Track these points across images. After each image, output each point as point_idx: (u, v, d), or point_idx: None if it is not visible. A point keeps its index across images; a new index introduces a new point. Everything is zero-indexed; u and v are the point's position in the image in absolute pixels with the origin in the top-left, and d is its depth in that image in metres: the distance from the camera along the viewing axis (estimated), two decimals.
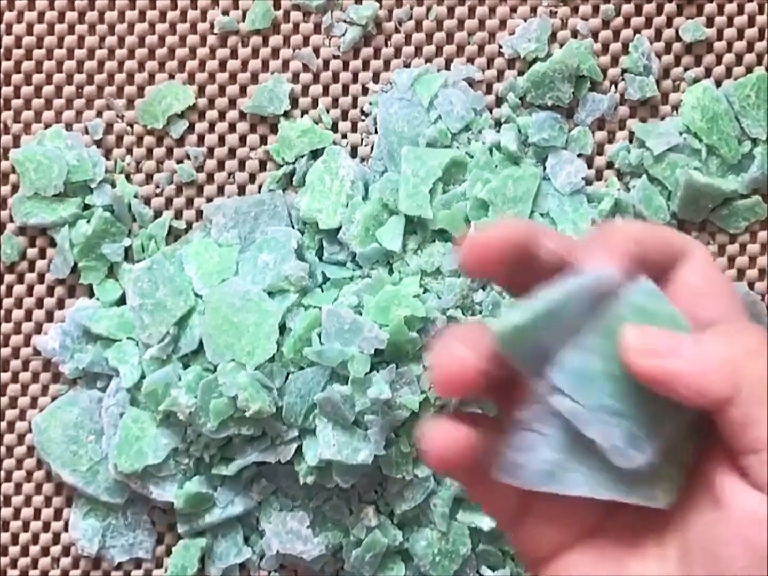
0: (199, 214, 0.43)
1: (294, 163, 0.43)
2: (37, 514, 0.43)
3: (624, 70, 0.43)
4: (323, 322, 0.39)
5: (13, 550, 0.43)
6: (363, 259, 0.42)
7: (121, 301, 0.43)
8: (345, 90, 0.43)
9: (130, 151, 0.43)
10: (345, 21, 0.43)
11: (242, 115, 0.43)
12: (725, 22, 0.43)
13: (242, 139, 0.43)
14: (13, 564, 0.43)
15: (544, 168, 0.43)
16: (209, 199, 0.43)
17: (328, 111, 0.43)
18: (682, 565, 0.27)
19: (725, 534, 0.26)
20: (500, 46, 0.43)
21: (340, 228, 0.42)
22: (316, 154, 0.43)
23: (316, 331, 0.40)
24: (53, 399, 0.43)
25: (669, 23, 0.43)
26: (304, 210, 0.42)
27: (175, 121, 0.43)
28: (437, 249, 0.41)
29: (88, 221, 0.43)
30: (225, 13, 0.43)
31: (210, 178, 0.44)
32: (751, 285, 0.43)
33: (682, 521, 0.28)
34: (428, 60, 0.43)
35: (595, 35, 0.43)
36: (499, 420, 0.30)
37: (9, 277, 0.43)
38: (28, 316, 0.43)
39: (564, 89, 0.42)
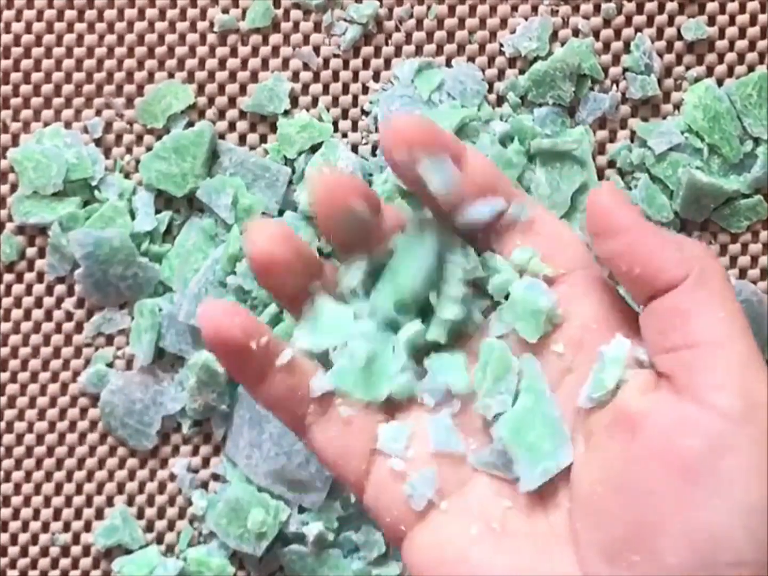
0: None
1: (294, 161, 0.43)
2: (36, 515, 0.43)
3: (625, 69, 0.43)
4: None
5: (13, 550, 0.43)
6: None
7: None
8: (345, 89, 0.43)
9: (129, 149, 0.43)
10: (345, 20, 0.43)
11: (242, 114, 0.43)
12: (727, 20, 0.43)
13: (242, 138, 0.43)
14: (12, 564, 0.43)
15: None
16: None
17: (328, 110, 0.43)
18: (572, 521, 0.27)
19: (640, 455, 0.25)
20: (501, 45, 0.43)
21: None
22: (314, 150, 0.43)
23: None
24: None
25: (670, 22, 0.43)
26: (303, 204, 0.42)
27: (175, 119, 0.43)
28: None
29: (87, 219, 0.42)
30: (225, 11, 0.43)
31: None
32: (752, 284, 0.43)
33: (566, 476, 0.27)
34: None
35: (596, 34, 0.43)
36: None
37: (8, 277, 0.43)
38: (27, 315, 0.43)
39: (565, 88, 0.42)
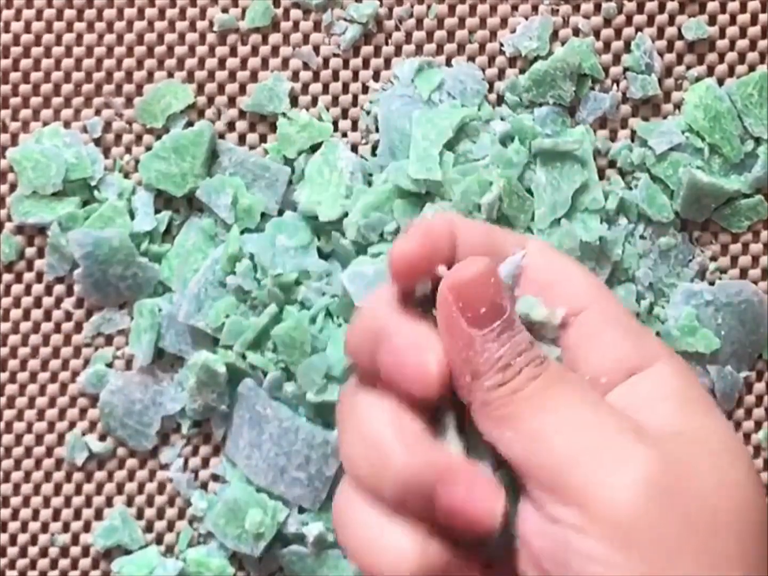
0: None
1: (294, 161, 0.43)
2: (35, 515, 0.43)
3: (626, 69, 0.43)
4: (347, 285, 0.39)
5: (12, 551, 0.43)
6: (360, 248, 0.41)
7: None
8: (345, 88, 0.43)
9: (128, 149, 0.43)
10: (345, 19, 0.43)
11: (242, 114, 0.43)
12: (728, 20, 0.43)
13: (242, 138, 0.43)
14: (12, 565, 0.43)
15: None
16: None
17: (328, 109, 0.43)
18: None
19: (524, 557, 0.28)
20: (501, 45, 0.43)
21: (339, 220, 0.41)
22: (314, 150, 0.43)
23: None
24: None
25: (671, 21, 0.43)
26: (304, 203, 0.42)
27: (175, 119, 0.43)
28: None
29: (87, 219, 0.42)
30: (224, 10, 0.43)
31: None
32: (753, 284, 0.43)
33: None
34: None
35: (596, 33, 0.43)
36: None
37: (7, 277, 0.43)
38: (26, 315, 0.43)
39: (565, 87, 0.42)
